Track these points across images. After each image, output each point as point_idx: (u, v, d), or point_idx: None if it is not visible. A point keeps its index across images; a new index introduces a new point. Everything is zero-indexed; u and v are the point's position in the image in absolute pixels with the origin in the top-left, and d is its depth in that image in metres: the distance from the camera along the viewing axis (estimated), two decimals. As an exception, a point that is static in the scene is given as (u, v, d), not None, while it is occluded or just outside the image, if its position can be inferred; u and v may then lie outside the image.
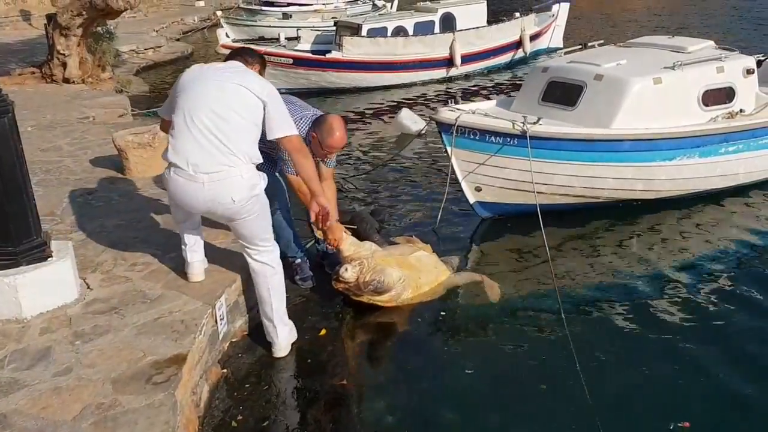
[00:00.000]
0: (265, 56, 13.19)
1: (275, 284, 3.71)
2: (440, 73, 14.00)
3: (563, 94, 6.40)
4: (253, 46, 13.13)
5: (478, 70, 14.60)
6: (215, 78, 3.44)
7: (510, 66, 15.21)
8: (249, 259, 3.70)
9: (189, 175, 3.34)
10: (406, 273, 4.48)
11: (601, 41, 7.72)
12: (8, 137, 3.35)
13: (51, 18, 10.38)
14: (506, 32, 14.91)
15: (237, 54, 3.81)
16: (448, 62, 13.92)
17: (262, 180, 3.51)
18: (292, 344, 3.93)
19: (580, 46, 7.38)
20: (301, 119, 4.18)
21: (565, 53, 7.21)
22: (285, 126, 3.48)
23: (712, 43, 7.12)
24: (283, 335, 3.83)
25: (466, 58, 14.05)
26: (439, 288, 4.69)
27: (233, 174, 3.35)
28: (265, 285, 3.70)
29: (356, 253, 4.48)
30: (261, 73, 3.80)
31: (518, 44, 15.17)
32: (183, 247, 3.91)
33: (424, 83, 13.74)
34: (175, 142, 3.39)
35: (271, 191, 4.33)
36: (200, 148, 3.32)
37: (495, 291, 4.81)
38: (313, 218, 3.95)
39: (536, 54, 15.62)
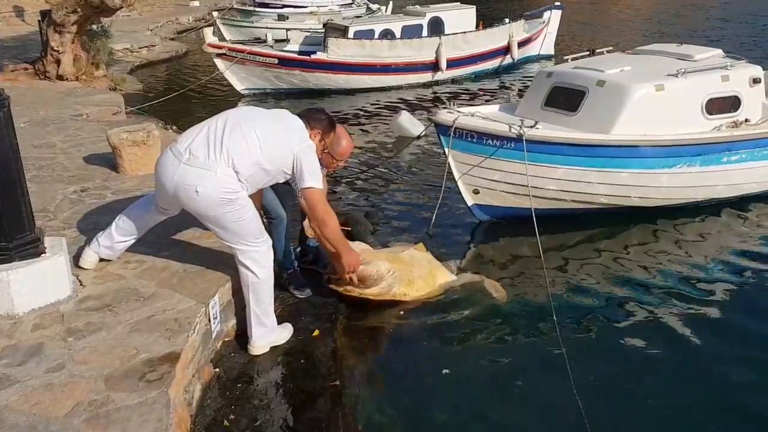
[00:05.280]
0: (251, 55, 13.17)
1: (255, 289, 3.70)
2: (426, 76, 13.96)
3: (566, 99, 6.40)
4: (240, 46, 13.20)
5: (465, 75, 14.53)
6: (270, 114, 3.71)
7: (497, 72, 15.14)
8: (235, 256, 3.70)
9: (177, 152, 3.48)
10: (397, 266, 4.46)
11: (610, 48, 7.64)
12: (3, 131, 3.33)
13: (45, 14, 10.33)
14: (494, 38, 14.84)
15: (303, 116, 3.81)
16: (434, 66, 13.88)
17: (238, 193, 3.48)
18: (286, 344, 3.93)
19: (588, 53, 7.33)
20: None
21: (572, 59, 7.13)
22: (308, 178, 3.59)
23: (720, 51, 7.05)
24: (257, 335, 3.82)
25: (453, 63, 14.00)
26: (436, 289, 4.68)
27: (210, 167, 3.41)
28: (246, 285, 3.71)
29: None
30: (323, 138, 3.85)
31: (506, 50, 15.09)
32: (102, 235, 3.98)
33: (409, 86, 13.70)
34: (192, 128, 3.60)
35: (272, 203, 4.31)
36: (204, 140, 3.47)
37: (498, 290, 4.83)
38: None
39: (526, 61, 15.62)
